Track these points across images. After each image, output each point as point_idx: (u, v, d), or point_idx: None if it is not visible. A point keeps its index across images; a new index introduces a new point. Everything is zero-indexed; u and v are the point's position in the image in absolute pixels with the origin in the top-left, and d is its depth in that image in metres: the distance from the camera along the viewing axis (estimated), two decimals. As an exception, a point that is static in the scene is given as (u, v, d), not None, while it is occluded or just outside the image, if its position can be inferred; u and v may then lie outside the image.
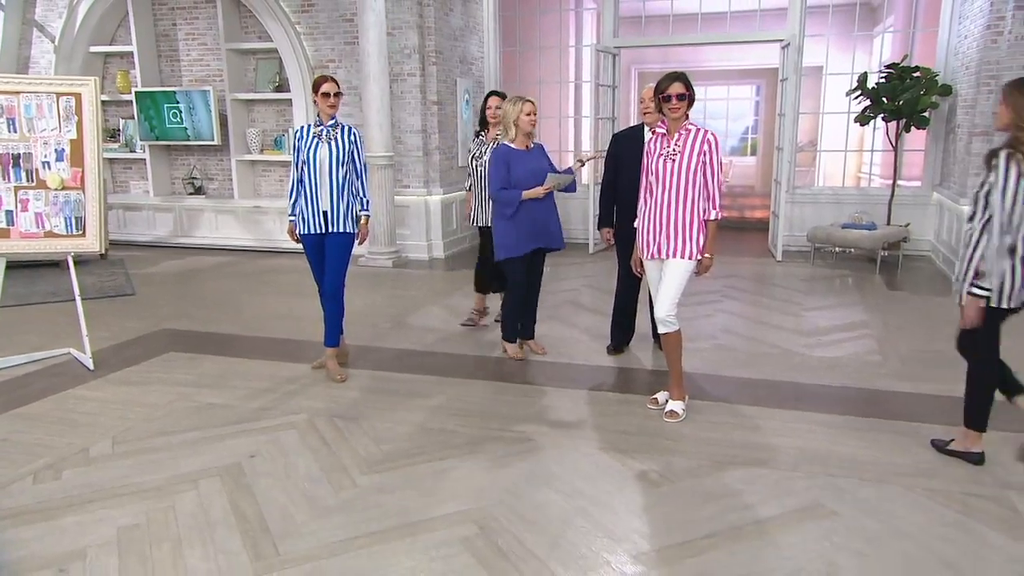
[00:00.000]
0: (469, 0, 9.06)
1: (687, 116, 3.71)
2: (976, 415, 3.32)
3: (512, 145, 4.63)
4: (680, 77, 3.64)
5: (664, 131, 3.75)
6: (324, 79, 4.35)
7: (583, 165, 4.93)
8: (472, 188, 5.47)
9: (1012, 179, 2.97)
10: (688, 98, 3.64)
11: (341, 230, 4.43)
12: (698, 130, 3.71)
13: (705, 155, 3.68)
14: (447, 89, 8.54)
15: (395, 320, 5.86)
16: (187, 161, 9.61)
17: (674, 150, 3.69)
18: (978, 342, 3.30)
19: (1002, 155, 3.01)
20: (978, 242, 3.07)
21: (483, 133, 5.48)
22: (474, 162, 5.42)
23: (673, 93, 3.62)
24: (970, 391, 3.35)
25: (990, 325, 3.22)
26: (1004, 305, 3.12)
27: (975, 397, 3.33)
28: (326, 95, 4.31)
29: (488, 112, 5.38)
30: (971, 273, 3.11)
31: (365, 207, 4.55)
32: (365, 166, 4.54)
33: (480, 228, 5.52)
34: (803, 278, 7.32)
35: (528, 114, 4.57)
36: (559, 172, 4.70)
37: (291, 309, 6.19)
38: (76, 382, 4.49)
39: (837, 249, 8.21)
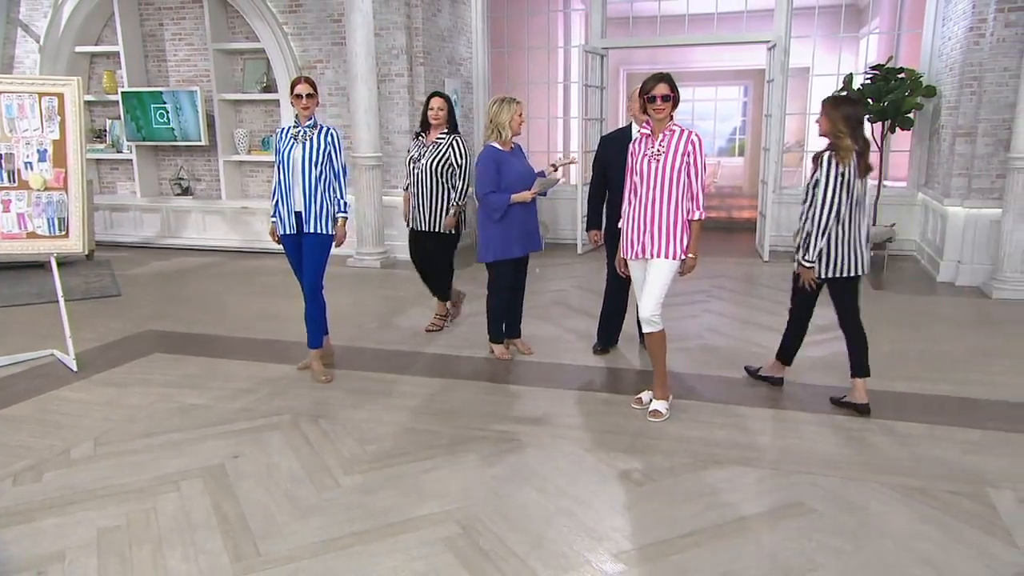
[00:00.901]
0: (457, 1, 9.06)
1: (671, 117, 3.73)
2: (863, 363, 4.04)
3: (499, 146, 4.64)
4: (665, 78, 3.65)
5: (649, 132, 3.77)
6: (299, 80, 4.35)
7: (556, 170, 4.90)
8: (412, 191, 5.35)
9: (833, 176, 3.73)
10: (673, 99, 3.66)
11: (315, 231, 4.40)
12: (682, 131, 3.73)
13: (689, 156, 3.69)
14: (435, 89, 8.53)
15: (381, 320, 5.85)
16: (174, 162, 9.57)
17: (658, 151, 3.70)
18: (845, 308, 4.07)
19: (826, 156, 3.78)
20: (817, 226, 3.81)
21: (423, 135, 5.36)
22: (412, 165, 5.31)
23: (658, 94, 3.63)
24: (852, 344, 4.06)
25: (833, 292, 4.06)
26: (832, 275, 3.94)
27: (855, 348, 4.05)
28: (299, 96, 4.31)
29: (430, 114, 5.25)
30: (812, 252, 3.89)
31: (342, 209, 4.51)
32: (344, 168, 4.51)
33: (416, 231, 5.43)
34: (790, 278, 7.33)
35: (519, 115, 4.60)
36: (542, 175, 4.71)
37: (277, 310, 6.18)
38: (59, 383, 4.46)
39: (823, 249, 8.25)
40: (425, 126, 5.33)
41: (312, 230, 4.39)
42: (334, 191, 4.45)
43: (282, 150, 4.36)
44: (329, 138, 4.39)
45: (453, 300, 5.71)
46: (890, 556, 2.65)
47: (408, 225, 5.51)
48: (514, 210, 4.64)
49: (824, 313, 5.96)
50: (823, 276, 3.94)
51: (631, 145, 3.86)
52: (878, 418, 3.88)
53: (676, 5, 9.37)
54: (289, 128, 4.41)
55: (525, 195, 4.61)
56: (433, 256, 5.50)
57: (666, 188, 3.71)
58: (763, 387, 4.38)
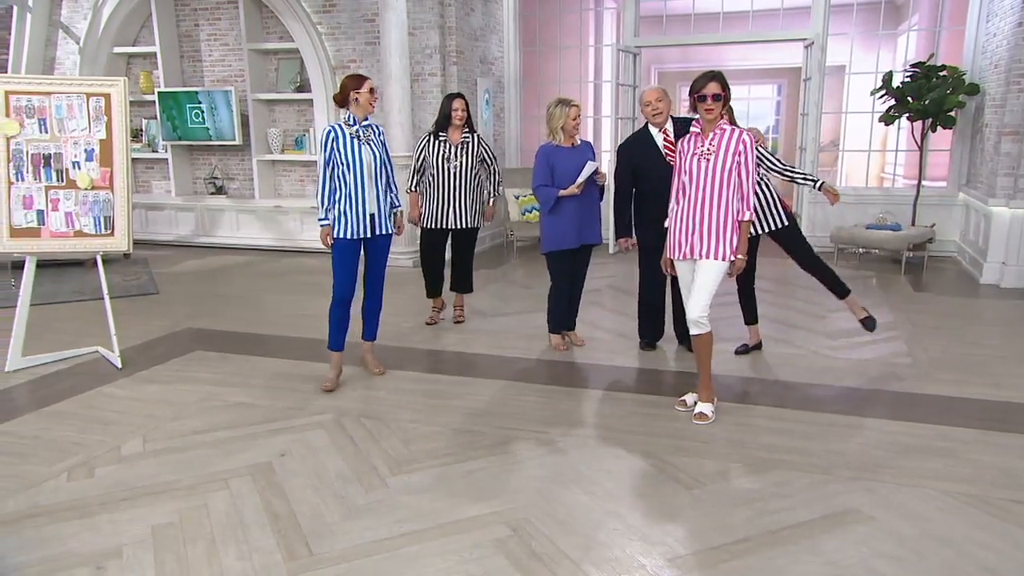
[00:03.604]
0: (490, 0, 9.05)
1: (722, 116, 3.68)
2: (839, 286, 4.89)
3: (555, 143, 4.78)
4: (716, 77, 3.60)
5: (699, 130, 3.73)
6: (365, 77, 4.25)
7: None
8: (436, 189, 5.41)
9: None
10: (724, 98, 3.61)
11: (387, 232, 4.41)
12: (733, 130, 3.68)
13: (740, 155, 3.64)
14: (467, 89, 8.54)
15: (417, 320, 5.86)
16: (209, 161, 9.67)
17: (708, 150, 3.65)
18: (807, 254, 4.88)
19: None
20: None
21: (443, 134, 5.37)
22: (446, 164, 5.34)
23: (709, 93, 3.58)
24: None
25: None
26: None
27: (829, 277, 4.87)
28: (371, 91, 4.23)
29: (455, 115, 5.30)
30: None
31: (398, 203, 4.55)
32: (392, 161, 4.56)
33: (442, 230, 5.53)
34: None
35: (574, 118, 4.71)
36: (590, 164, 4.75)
37: (314, 308, 6.20)
38: (105, 380, 4.52)
39: (861, 250, 8.13)
40: (444, 126, 5.37)
41: (386, 231, 4.40)
42: (391, 186, 4.47)
43: (344, 151, 4.18)
44: (383, 135, 4.39)
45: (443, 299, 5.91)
46: (952, 565, 2.59)
47: (427, 226, 5.54)
48: (567, 203, 4.74)
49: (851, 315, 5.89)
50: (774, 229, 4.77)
51: (680, 144, 3.81)
52: (927, 422, 3.80)
53: (710, 3, 9.28)
54: (342, 127, 4.23)
55: (571, 189, 4.69)
56: (466, 251, 5.72)
57: (716, 188, 3.66)
58: (806, 389, 4.32)
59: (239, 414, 4.00)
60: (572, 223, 4.79)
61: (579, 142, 4.86)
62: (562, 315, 5.09)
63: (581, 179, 4.68)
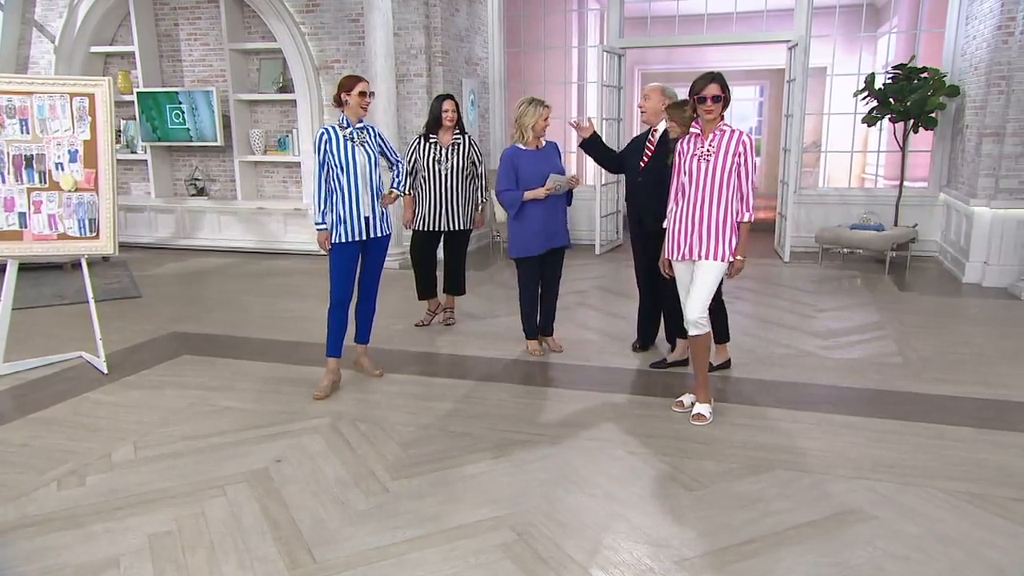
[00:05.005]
0: (474, 0, 9.02)
1: (722, 117, 3.68)
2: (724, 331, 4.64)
3: (521, 146, 4.68)
4: (716, 78, 3.60)
5: (698, 131, 3.72)
6: (359, 79, 4.19)
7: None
8: (428, 191, 5.38)
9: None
10: (724, 100, 3.61)
11: (383, 233, 4.35)
12: (733, 131, 3.68)
13: (739, 156, 3.64)
14: (453, 90, 8.49)
15: (407, 323, 5.80)
16: (189, 162, 9.53)
17: (708, 151, 3.65)
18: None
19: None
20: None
21: (433, 136, 5.37)
22: (436, 165, 5.32)
23: (708, 95, 3.58)
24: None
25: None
26: None
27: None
28: (363, 94, 4.15)
29: (445, 116, 5.29)
30: None
31: (396, 185, 4.57)
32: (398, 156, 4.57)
33: (433, 232, 5.50)
34: (812, 279, 7.30)
35: (545, 119, 4.65)
36: (561, 174, 4.70)
37: (299, 311, 6.13)
38: (91, 386, 4.42)
39: (845, 250, 8.21)
40: (434, 127, 5.35)
41: (382, 233, 4.34)
42: (393, 175, 4.53)
43: (338, 153, 4.11)
44: (379, 137, 4.34)
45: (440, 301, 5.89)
46: (960, 564, 2.60)
47: (419, 228, 5.50)
48: (533, 209, 4.66)
49: (850, 315, 5.95)
50: None
51: (679, 144, 3.81)
52: (923, 421, 3.83)
53: (694, 5, 9.32)
54: (335, 129, 4.15)
55: (538, 192, 4.60)
56: (459, 252, 5.67)
57: (715, 189, 3.66)
58: (801, 389, 4.34)
59: (230, 419, 3.93)
60: (538, 229, 4.68)
61: (544, 144, 4.77)
62: (534, 320, 5.00)
63: (550, 184, 4.58)
